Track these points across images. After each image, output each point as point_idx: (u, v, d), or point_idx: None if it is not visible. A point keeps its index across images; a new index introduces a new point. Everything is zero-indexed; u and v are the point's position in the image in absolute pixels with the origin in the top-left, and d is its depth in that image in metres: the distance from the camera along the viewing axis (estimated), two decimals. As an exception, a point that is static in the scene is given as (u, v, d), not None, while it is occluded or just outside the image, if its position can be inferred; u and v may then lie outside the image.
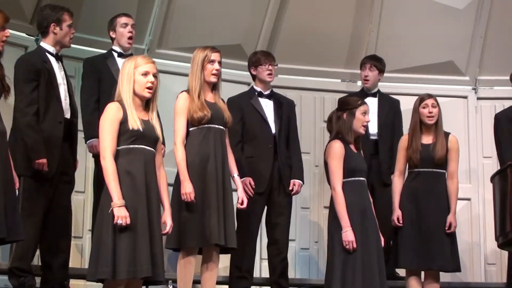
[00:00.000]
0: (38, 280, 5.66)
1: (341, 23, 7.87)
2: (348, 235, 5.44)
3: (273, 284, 6.28)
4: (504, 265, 7.41)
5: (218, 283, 6.00)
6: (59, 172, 5.58)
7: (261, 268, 7.11)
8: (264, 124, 6.23)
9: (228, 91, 5.91)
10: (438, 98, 6.23)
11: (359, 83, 7.38)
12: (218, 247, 5.31)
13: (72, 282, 6.21)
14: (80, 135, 6.16)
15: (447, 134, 6.14)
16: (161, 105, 5.02)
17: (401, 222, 6.00)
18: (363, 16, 7.91)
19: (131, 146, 4.51)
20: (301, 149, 6.53)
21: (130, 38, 6.30)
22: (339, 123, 5.68)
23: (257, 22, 7.69)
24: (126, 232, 4.35)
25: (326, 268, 5.65)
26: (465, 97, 8.14)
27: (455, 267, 6.00)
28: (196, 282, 5.56)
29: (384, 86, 7.32)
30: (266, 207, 6.24)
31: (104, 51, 6.61)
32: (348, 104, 5.73)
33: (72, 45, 6.14)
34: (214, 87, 5.49)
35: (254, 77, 6.42)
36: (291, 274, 6.74)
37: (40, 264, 5.69)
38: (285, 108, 6.39)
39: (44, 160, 5.42)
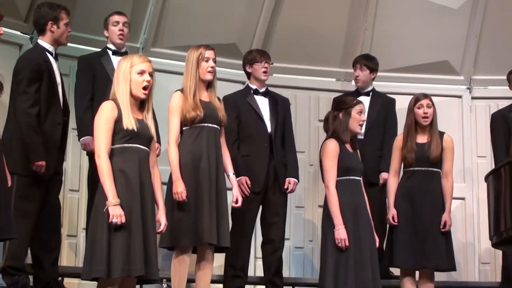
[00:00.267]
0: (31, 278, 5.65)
1: (336, 23, 7.86)
2: (341, 233, 5.43)
3: (267, 283, 6.27)
4: (498, 264, 7.42)
5: (213, 281, 5.99)
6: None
7: (256, 267, 7.09)
8: (260, 122, 6.23)
9: (223, 89, 5.90)
10: (433, 98, 6.24)
11: (354, 82, 7.36)
12: (212, 246, 5.30)
13: (67, 280, 6.21)
14: (74, 133, 6.16)
15: (441, 134, 6.15)
16: (156, 104, 5.02)
17: (396, 221, 5.98)
18: (358, 16, 7.91)
19: (126, 145, 4.50)
20: (296, 147, 6.52)
21: (121, 35, 6.30)
22: (335, 123, 5.67)
23: (252, 21, 7.69)
24: (120, 231, 4.35)
25: (320, 267, 5.65)
26: (460, 97, 8.14)
27: (450, 266, 6.01)
28: (191, 281, 5.54)
29: (379, 86, 7.32)
30: (261, 206, 6.23)
31: (99, 49, 6.61)
32: (344, 103, 5.73)
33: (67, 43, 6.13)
34: (209, 85, 5.48)
35: (249, 75, 6.42)
36: (285, 273, 6.73)
37: (31, 262, 5.66)
38: (280, 106, 6.39)
39: (43, 163, 5.43)
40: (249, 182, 6.06)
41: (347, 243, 5.42)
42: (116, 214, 4.31)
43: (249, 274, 6.40)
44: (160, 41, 7.46)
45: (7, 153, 5.29)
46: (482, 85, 8.16)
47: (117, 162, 4.45)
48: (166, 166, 5.36)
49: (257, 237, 6.55)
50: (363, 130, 6.63)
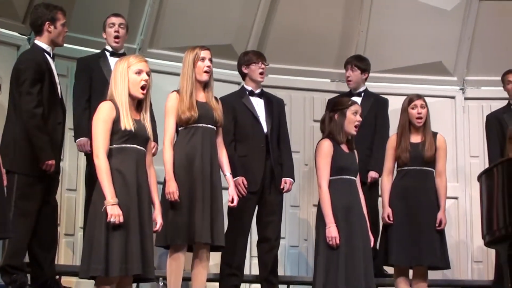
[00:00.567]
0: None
1: (330, 24, 7.87)
2: (331, 231, 5.45)
3: (263, 281, 6.28)
4: (490, 262, 7.44)
5: (209, 280, 6.00)
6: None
7: (251, 266, 7.10)
8: (256, 123, 6.23)
9: (219, 90, 5.91)
10: (426, 98, 6.25)
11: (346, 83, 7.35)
12: (208, 245, 5.31)
13: (64, 279, 6.22)
14: (71, 133, 6.17)
15: (434, 134, 6.17)
16: (153, 104, 5.01)
17: (391, 219, 5.99)
18: (352, 17, 7.92)
19: (123, 145, 4.51)
20: (291, 147, 6.54)
21: (116, 37, 6.34)
22: (331, 124, 5.68)
23: (247, 22, 7.69)
24: (118, 230, 4.36)
25: (314, 265, 5.66)
26: (453, 97, 8.16)
27: (445, 264, 6.03)
28: (187, 279, 5.55)
29: (373, 86, 7.33)
30: (257, 205, 6.23)
31: (96, 50, 6.65)
32: (339, 104, 5.75)
33: (65, 44, 6.13)
34: (206, 86, 5.49)
35: (244, 76, 6.41)
36: (280, 272, 6.74)
37: (28, 261, 5.66)
38: (275, 107, 6.40)
39: (53, 161, 5.47)
40: (245, 183, 6.06)
41: (337, 241, 5.43)
42: (115, 213, 4.32)
43: (244, 273, 6.41)
44: (157, 42, 7.47)
45: (9, 153, 5.32)
46: (475, 85, 8.18)
47: (115, 162, 4.46)
48: (162, 166, 5.38)
49: (253, 236, 6.55)
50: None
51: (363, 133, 6.36)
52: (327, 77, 8.05)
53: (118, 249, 4.34)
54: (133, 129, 4.50)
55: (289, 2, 7.74)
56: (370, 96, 7.02)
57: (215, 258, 6.30)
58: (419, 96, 6.18)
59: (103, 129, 4.46)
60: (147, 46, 7.41)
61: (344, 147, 5.68)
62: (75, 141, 6.21)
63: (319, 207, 5.63)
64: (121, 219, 4.34)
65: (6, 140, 5.43)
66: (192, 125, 5.38)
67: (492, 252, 7.00)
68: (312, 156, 6.15)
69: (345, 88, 7.22)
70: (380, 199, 6.42)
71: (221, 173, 5.54)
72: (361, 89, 7.04)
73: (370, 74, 7.22)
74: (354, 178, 5.67)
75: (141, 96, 4.59)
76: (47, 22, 5.66)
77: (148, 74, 4.62)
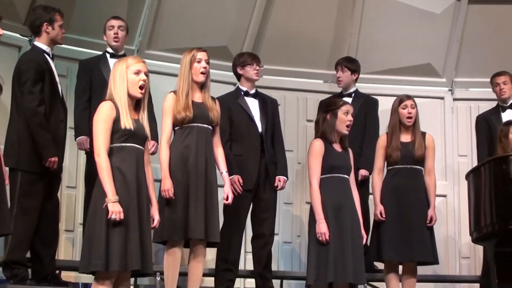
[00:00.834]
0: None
1: (323, 27, 7.89)
2: (321, 227, 5.47)
3: (257, 276, 6.29)
4: (478, 258, 7.46)
5: (205, 275, 6.03)
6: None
7: (246, 261, 7.11)
8: (251, 123, 6.24)
9: (215, 90, 5.91)
10: (416, 99, 6.26)
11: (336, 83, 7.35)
12: (204, 241, 5.32)
13: (64, 273, 6.22)
14: (71, 132, 6.17)
15: (423, 133, 6.19)
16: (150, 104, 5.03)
17: (383, 216, 6.01)
18: (344, 20, 7.93)
19: (123, 144, 4.51)
20: (284, 146, 6.55)
21: (115, 39, 6.36)
22: (324, 124, 5.70)
23: (242, 25, 7.70)
24: (118, 227, 4.36)
25: (307, 260, 5.68)
26: (442, 98, 8.18)
27: (434, 259, 6.04)
28: (184, 274, 5.56)
29: (364, 87, 7.35)
30: (252, 203, 6.25)
31: (95, 51, 6.70)
32: (331, 105, 5.77)
33: (64, 46, 6.16)
34: (203, 86, 5.50)
35: (239, 77, 6.42)
36: (274, 267, 6.75)
37: (29, 256, 5.66)
38: (269, 107, 6.41)
39: (55, 159, 5.49)
40: (241, 181, 6.07)
41: (327, 237, 5.44)
42: (115, 210, 4.33)
43: (239, 268, 6.41)
44: (155, 44, 7.47)
45: (14, 151, 5.33)
46: (464, 87, 8.20)
47: (115, 161, 4.46)
48: (159, 164, 5.39)
49: (248, 232, 6.56)
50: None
51: (354, 132, 6.38)
52: (319, 78, 8.06)
53: (118, 245, 4.34)
54: (132, 128, 4.51)
55: (283, 6, 7.75)
56: (360, 96, 7.03)
57: (211, 254, 6.31)
58: (409, 97, 6.20)
59: (104, 128, 4.46)
60: (145, 48, 7.42)
61: (336, 147, 5.69)
62: (75, 140, 6.23)
63: (311, 204, 5.65)
64: (122, 216, 4.35)
65: (11, 139, 5.44)
66: (187, 124, 5.40)
67: (479, 248, 7.02)
68: (305, 155, 6.17)
69: (337, 88, 7.23)
70: (370, 196, 6.43)
71: (218, 171, 5.55)
72: (352, 90, 7.05)
73: (362, 75, 7.24)
74: (346, 176, 5.67)
75: (139, 95, 4.60)
76: (45, 23, 5.68)
77: (146, 75, 4.63)
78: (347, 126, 5.68)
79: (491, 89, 7.24)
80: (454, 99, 8.16)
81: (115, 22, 6.39)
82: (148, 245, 4.53)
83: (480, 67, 7.95)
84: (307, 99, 7.97)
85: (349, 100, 6.79)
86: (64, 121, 5.70)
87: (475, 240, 5.88)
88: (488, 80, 7.28)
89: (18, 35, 6.59)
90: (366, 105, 6.95)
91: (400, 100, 6.17)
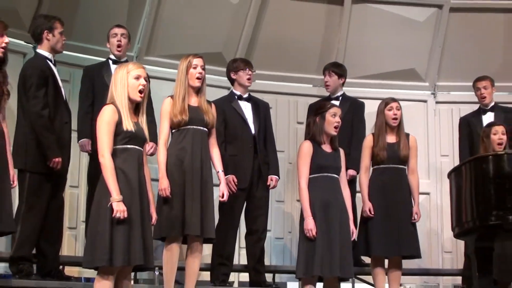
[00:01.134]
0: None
1: (312, 34, 7.91)
2: (308, 224, 5.49)
3: (251, 270, 6.31)
4: (459, 253, 7.49)
5: (202, 269, 6.04)
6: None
7: (240, 256, 7.12)
8: (244, 125, 6.26)
9: (210, 95, 5.93)
10: (400, 102, 6.27)
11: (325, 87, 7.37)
12: (200, 237, 5.33)
13: (67, 268, 6.22)
14: (74, 134, 6.17)
15: (407, 134, 6.21)
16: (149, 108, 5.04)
17: (372, 213, 6.02)
18: (332, 28, 7.95)
19: (126, 146, 4.52)
20: (276, 147, 6.57)
21: (118, 46, 6.36)
22: (313, 127, 5.72)
23: (236, 32, 7.71)
24: (122, 224, 4.37)
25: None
26: (425, 101, 8.21)
27: (418, 253, 6.06)
28: (181, 269, 5.57)
29: (351, 91, 7.37)
30: (246, 201, 6.26)
31: (96, 58, 6.72)
32: (319, 108, 5.79)
33: (67, 52, 6.16)
34: (198, 91, 5.51)
35: (232, 82, 6.44)
36: (267, 261, 6.77)
37: (34, 252, 5.67)
38: (261, 110, 6.43)
39: (59, 159, 5.49)
40: (236, 180, 6.10)
41: (314, 233, 5.46)
42: (120, 209, 4.34)
43: (234, 263, 6.42)
44: (153, 50, 7.48)
45: (21, 153, 5.33)
46: (445, 90, 8.24)
47: (118, 162, 4.47)
48: (155, 164, 5.42)
49: (242, 229, 6.57)
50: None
51: (341, 134, 6.41)
52: (309, 82, 8.08)
53: (122, 241, 4.35)
54: (133, 130, 4.53)
55: (275, 14, 7.77)
56: (347, 99, 7.03)
57: (207, 249, 6.32)
58: (394, 99, 6.22)
59: (107, 131, 4.47)
60: (144, 54, 7.44)
61: (326, 147, 5.70)
62: (77, 142, 6.23)
63: (300, 202, 5.68)
64: (125, 215, 4.36)
65: (18, 142, 5.45)
66: (183, 127, 5.41)
67: (461, 243, 7.04)
68: (295, 155, 6.18)
69: (326, 92, 7.24)
70: (358, 194, 6.44)
71: (214, 170, 5.56)
72: (339, 93, 7.05)
73: (349, 80, 7.26)
74: (335, 175, 5.68)
75: (139, 99, 4.61)
76: (46, 31, 5.70)
77: (145, 80, 4.65)
78: (335, 128, 5.69)
79: (471, 93, 7.26)
80: (437, 102, 8.19)
81: (118, 30, 6.40)
82: (150, 241, 4.55)
83: (461, 72, 7.99)
84: (297, 103, 7.98)
85: (336, 103, 6.78)
86: (68, 123, 5.71)
87: (457, 235, 5.90)
88: (469, 84, 7.31)
89: (22, 42, 6.59)
90: (353, 108, 6.96)
91: (386, 102, 6.19)
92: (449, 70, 8.10)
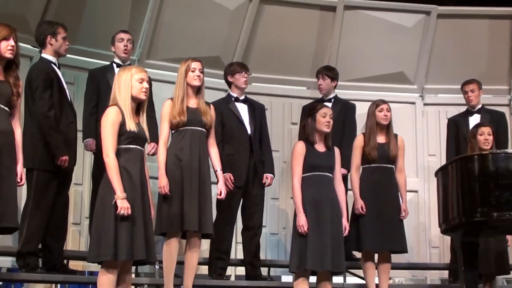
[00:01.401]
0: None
1: (306, 38, 7.91)
2: (300, 220, 5.51)
3: (247, 264, 6.32)
4: (446, 248, 7.49)
5: (200, 263, 6.05)
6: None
7: (236, 251, 7.13)
8: (241, 126, 6.28)
9: (208, 97, 5.94)
10: (390, 104, 6.28)
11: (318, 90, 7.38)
12: (199, 233, 5.34)
13: (72, 263, 6.22)
14: (79, 134, 6.18)
15: (395, 135, 6.22)
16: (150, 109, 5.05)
17: (364, 210, 6.04)
18: (325, 33, 7.96)
19: (128, 146, 4.54)
20: (271, 147, 6.58)
21: (125, 50, 6.38)
22: (306, 128, 5.73)
23: (233, 37, 7.72)
24: (126, 221, 4.40)
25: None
26: (413, 103, 8.21)
27: (405, 248, 6.08)
28: (181, 263, 5.58)
29: (342, 93, 7.37)
30: (242, 198, 6.27)
31: (100, 61, 6.70)
32: (311, 110, 5.81)
33: (72, 56, 6.16)
34: (197, 93, 5.52)
35: (230, 84, 6.46)
36: (262, 256, 6.76)
37: (40, 247, 5.67)
38: (257, 112, 6.44)
39: (66, 157, 5.51)
40: (233, 178, 6.11)
41: (305, 229, 5.48)
42: (124, 206, 4.37)
43: (231, 257, 6.44)
44: (154, 54, 7.49)
45: (29, 152, 5.33)
46: (433, 93, 8.25)
47: (121, 161, 4.50)
48: (153, 163, 5.42)
49: (238, 225, 6.58)
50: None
51: (333, 134, 6.43)
52: (303, 85, 8.09)
53: (126, 236, 4.38)
54: (136, 131, 4.55)
55: (270, 20, 7.78)
56: (339, 101, 7.04)
57: (205, 244, 6.33)
58: (385, 101, 6.23)
59: (111, 131, 4.49)
60: (145, 58, 7.44)
61: (319, 147, 5.71)
62: (83, 141, 6.24)
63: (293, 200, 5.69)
64: (129, 212, 4.39)
65: (26, 142, 5.44)
66: (182, 128, 5.42)
67: (447, 238, 7.04)
68: (290, 154, 6.18)
69: (319, 95, 7.25)
70: (349, 192, 6.45)
71: (212, 169, 5.57)
72: (331, 96, 7.06)
73: (341, 83, 7.27)
74: (328, 174, 5.69)
75: (144, 97, 4.64)
76: (49, 36, 5.72)
77: (148, 83, 4.68)
78: (326, 126, 5.70)
79: (458, 95, 7.30)
80: (425, 104, 8.20)
81: (124, 36, 6.41)
82: (151, 236, 4.58)
83: (448, 75, 8.01)
84: (291, 104, 7.99)
85: (329, 105, 6.79)
86: (74, 123, 5.73)
87: (444, 231, 5.89)
88: (455, 87, 7.33)
89: (29, 46, 6.58)
90: (344, 110, 6.97)
91: (377, 104, 6.20)
92: (437, 74, 8.12)
